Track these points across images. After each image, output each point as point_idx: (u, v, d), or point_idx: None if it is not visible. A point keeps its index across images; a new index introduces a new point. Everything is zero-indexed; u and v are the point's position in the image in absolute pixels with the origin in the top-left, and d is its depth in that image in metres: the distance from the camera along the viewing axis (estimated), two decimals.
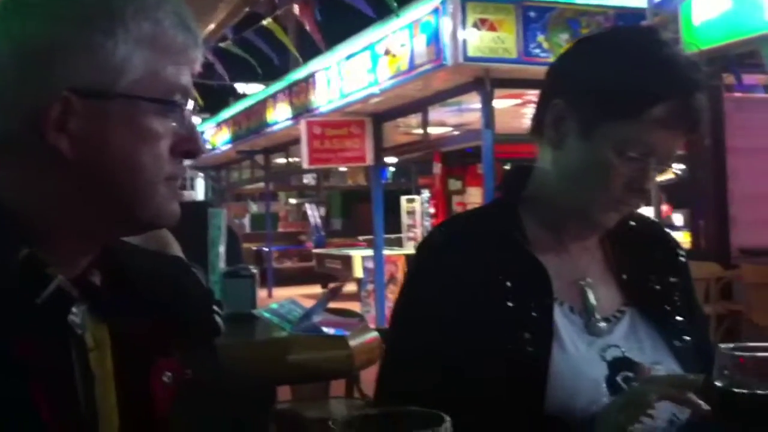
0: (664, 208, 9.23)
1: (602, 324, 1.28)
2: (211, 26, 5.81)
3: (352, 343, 2.61)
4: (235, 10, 5.54)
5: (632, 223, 1.38)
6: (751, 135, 6.89)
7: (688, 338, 1.32)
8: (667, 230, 1.51)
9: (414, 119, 9.94)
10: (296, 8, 5.83)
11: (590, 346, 1.25)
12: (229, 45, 8.05)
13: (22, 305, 0.82)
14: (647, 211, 6.99)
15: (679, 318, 1.34)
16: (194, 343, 1.00)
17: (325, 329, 2.80)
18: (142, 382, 0.91)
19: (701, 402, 1.06)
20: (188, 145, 0.92)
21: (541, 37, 7.83)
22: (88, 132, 0.84)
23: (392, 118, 10.14)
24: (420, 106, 9.32)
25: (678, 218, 9.34)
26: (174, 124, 0.89)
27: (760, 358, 0.97)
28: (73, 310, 0.87)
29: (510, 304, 1.23)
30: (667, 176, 1.37)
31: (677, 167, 1.37)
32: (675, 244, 1.46)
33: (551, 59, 7.81)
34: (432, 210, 11.56)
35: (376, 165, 10.68)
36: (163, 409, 0.91)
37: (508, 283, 1.24)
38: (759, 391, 0.95)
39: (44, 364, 0.82)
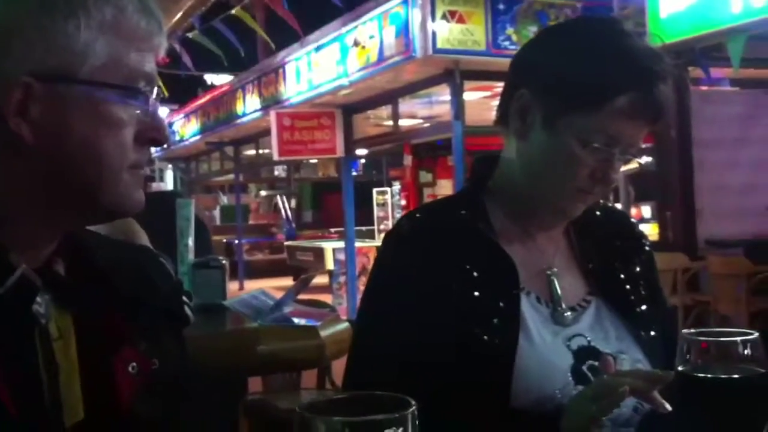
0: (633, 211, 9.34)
1: (568, 313, 1.29)
2: (178, 15, 5.75)
3: (323, 333, 2.60)
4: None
5: (597, 212, 1.39)
6: (717, 127, 6.98)
7: (652, 328, 1.33)
8: (633, 220, 1.52)
9: (384, 111, 9.94)
10: None
11: (556, 335, 1.26)
12: (196, 35, 7.99)
13: None
14: (617, 205, 7.07)
15: (643, 308, 1.35)
16: (161, 334, 0.99)
17: (295, 320, 2.79)
18: (107, 371, 0.90)
19: (664, 402, 1.07)
20: (153, 132, 0.90)
21: (510, 30, 7.86)
22: (50, 118, 0.83)
23: (362, 109, 10.13)
24: (390, 97, 9.31)
25: (646, 210, 9.44)
26: (138, 111, 0.88)
27: (722, 343, 0.99)
28: (37, 299, 0.86)
29: (476, 294, 1.23)
30: (631, 166, 1.39)
31: (642, 158, 1.39)
32: (640, 234, 1.47)
33: None
34: (403, 202, 11.58)
35: (346, 157, 10.67)
36: (127, 400, 0.90)
37: (475, 274, 1.24)
38: (721, 375, 0.97)
39: (7, 354, 0.81)
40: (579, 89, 1.22)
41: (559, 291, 1.31)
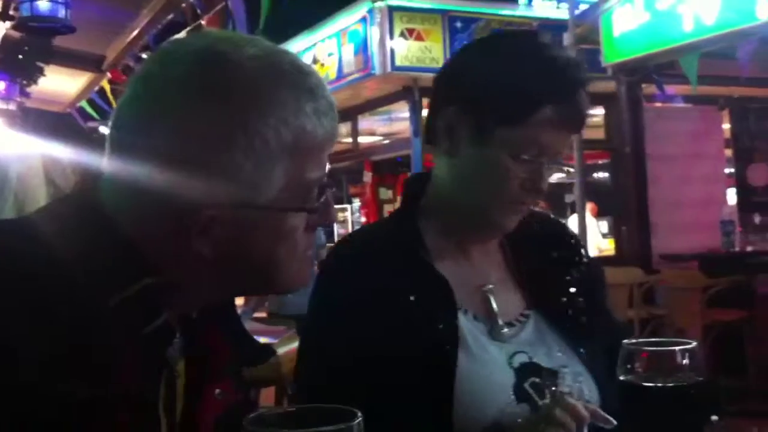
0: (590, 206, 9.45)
1: (505, 330, 1.28)
2: (134, 33, 5.73)
3: (280, 351, 2.61)
4: (158, 16, 5.47)
5: (533, 224, 1.38)
6: (671, 143, 7.10)
7: (594, 339, 1.32)
8: (571, 230, 1.51)
9: (344, 128, 9.95)
10: (204, 22, 5.82)
11: (497, 352, 1.25)
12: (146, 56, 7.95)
13: (129, 332, 0.84)
14: (574, 219, 7.15)
15: (583, 319, 1.34)
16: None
17: (254, 337, 2.78)
18: (198, 401, 0.95)
19: (608, 417, 1.09)
20: (322, 219, 0.95)
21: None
22: (231, 238, 0.88)
23: None
24: (349, 114, 9.34)
25: (603, 226, 9.56)
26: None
27: (662, 352, 1.01)
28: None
29: (414, 316, 1.22)
30: (559, 175, 1.39)
31: (566, 167, 1.40)
32: (578, 245, 1.46)
33: None
34: (363, 219, 11.57)
35: None
36: (208, 420, 0.94)
37: (411, 297, 1.23)
38: (661, 384, 0.99)
39: (135, 393, 0.84)
40: (504, 103, 1.23)
41: (495, 307, 1.30)
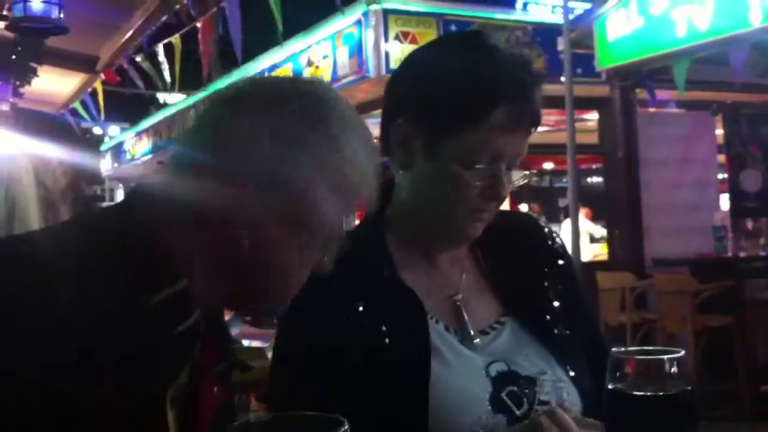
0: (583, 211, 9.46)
1: (480, 339, 1.25)
2: (128, 34, 5.72)
3: (271, 354, 2.59)
4: (152, 17, 5.47)
5: (505, 225, 1.33)
6: (663, 148, 7.12)
7: (573, 342, 1.30)
8: (548, 230, 1.44)
9: None
10: (199, 24, 5.83)
11: (473, 362, 1.22)
12: (143, 59, 7.97)
13: (163, 331, 0.90)
14: (567, 224, 7.15)
15: (562, 322, 1.31)
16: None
17: (244, 341, 2.78)
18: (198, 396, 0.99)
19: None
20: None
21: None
22: (260, 254, 0.96)
23: None
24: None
25: (599, 230, 9.56)
26: None
27: (650, 361, 1.01)
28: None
29: (384, 329, 1.19)
30: (524, 180, 1.34)
31: (528, 171, 1.36)
32: (553, 243, 1.41)
33: None
34: (357, 221, 11.55)
35: None
36: (208, 416, 0.98)
37: (381, 310, 1.20)
38: (649, 393, 0.99)
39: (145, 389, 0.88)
40: (452, 111, 1.19)
41: (466, 317, 1.26)
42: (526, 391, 1.21)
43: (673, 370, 1.00)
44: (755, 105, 8.06)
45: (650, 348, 1.03)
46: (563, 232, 7.04)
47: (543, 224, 1.46)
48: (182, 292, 0.92)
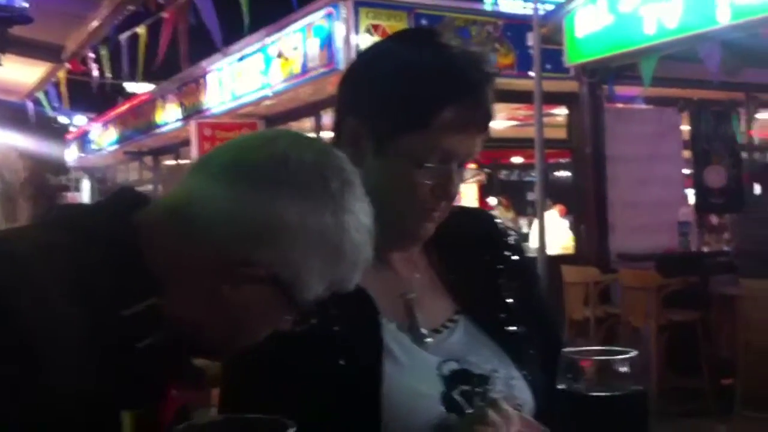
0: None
1: (432, 338, 1.24)
2: (95, 23, 5.65)
3: None
4: (119, 7, 5.41)
5: (460, 221, 1.32)
6: (629, 144, 7.17)
7: (528, 339, 1.29)
8: (503, 226, 1.43)
9: (307, 123, 9.92)
10: (166, 15, 5.79)
11: (425, 362, 1.21)
12: (110, 49, 7.89)
13: (128, 342, 0.90)
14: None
15: (517, 318, 1.30)
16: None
17: None
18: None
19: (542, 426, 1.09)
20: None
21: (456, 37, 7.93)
22: (245, 300, 0.96)
23: (285, 121, 10.09)
24: (313, 109, 9.32)
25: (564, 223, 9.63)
26: None
27: (602, 361, 1.01)
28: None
29: (336, 329, 1.18)
30: (477, 177, 1.33)
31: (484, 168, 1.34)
32: (508, 242, 1.40)
33: None
34: None
35: None
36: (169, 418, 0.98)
37: (332, 310, 1.16)
38: (601, 393, 0.99)
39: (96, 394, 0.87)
40: (402, 110, 1.18)
41: (420, 315, 1.25)
42: (479, 389, 1.21)
43: (624, 370, 1.01)
44: (721, 102, 8.16)
45: (602, 348, 1.04)
46: (537, 227, 7.05)
47: (498, 221, 1.46)
48: (153, 309, 0.91)
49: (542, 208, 6.80)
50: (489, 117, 1.21)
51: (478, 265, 1.33)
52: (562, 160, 10.94)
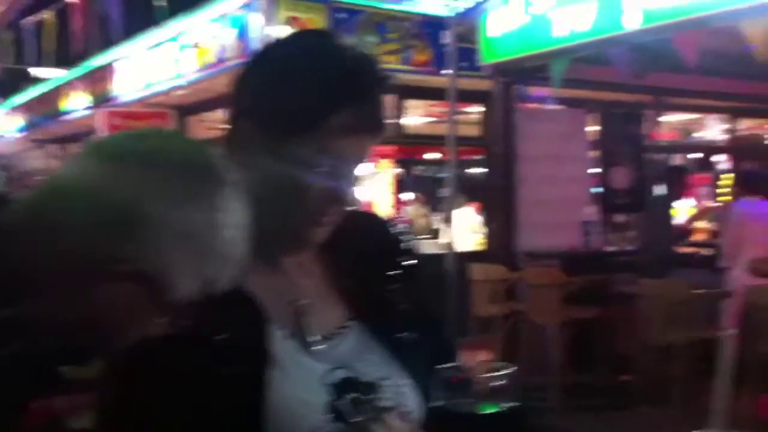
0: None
1: (324, 345, 1.23)
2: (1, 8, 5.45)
3: None
4: None
5: (354, 226, 1.31)
6: (539, 144, 7.30)
7: (419, 346, 1.29)
8: (396, 230, 1.43)
9: (221, 114, 9.77)
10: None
11: (312, 370, 1.20)
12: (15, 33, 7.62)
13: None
14: (454, 214, 7.25)
15: (409, 324, 1.30)
16: None
17: None
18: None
19: None
20: None
21: (350, 39, 7.93)
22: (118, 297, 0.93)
23: (198, 111, 9.93)
24: (227, 101, 9.15)
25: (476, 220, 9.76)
26: None
27: (478, 377, 1.03)
28: None
29: (223, 337, 1.15)
30: (362, 181, 1.33)
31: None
32: (402, 246, 1.40)
33: None
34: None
35: None
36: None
37: (218, 319, 1.13)
38: (475, 409, 1.01)
39: None
40: (292, 113, 1.17)
41: (308, 322, 1.24)
42: (367, 397, 1.20)
43: (500, 385, 1.02)
44: (628, 104, 8.40)
45: (482, 364, 1.06)
46: (454, 222, 7.11)
47: (392, 225, 1.45)
48: (13, 316, 0.89)
49: (453, 206, 6.88)
50: (381, 121, 1.21)
51: (371, 271, 1.32)
52: (477, 158, 11.08)
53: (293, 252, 1.28)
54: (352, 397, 1.19)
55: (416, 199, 11.70)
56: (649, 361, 5.63)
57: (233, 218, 0.97)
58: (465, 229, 8.92)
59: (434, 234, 9.73)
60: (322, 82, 1.17)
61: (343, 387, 1.20)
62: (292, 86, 1.18)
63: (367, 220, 1.43)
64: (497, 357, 6.60)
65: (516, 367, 1.05)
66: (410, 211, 11.43)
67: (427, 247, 8.08)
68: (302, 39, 1.32)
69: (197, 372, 1.14)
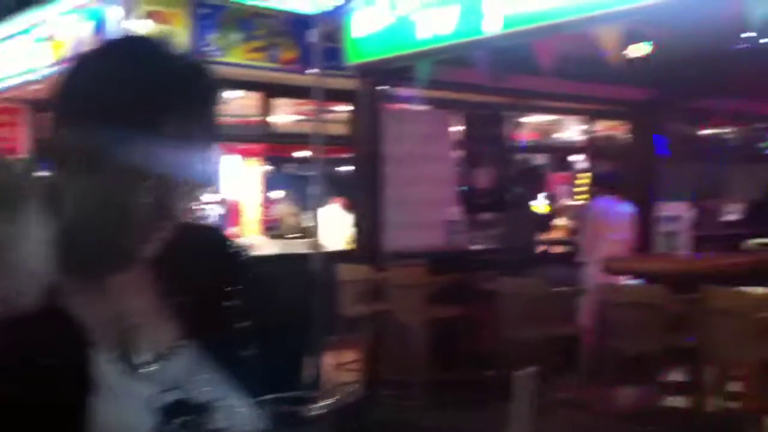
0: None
1: (154, 366, 1.18)
2: None
3: None
4: None
5: (187, 241, 1.25)
6: (405, 144, 7.38)
7: (258, 366, 1.26)
8: (232, 244, 1.39)
9: None
10: None
11: (138, 394, 1.14)
12: None
13: None
14: (322, 212, 7.22)
15: (246, 344, 1.27)
16: None
17: None
18: None
19: None
20: None
21: (212, 36, 7.79)
22: None
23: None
24: (48, 107, 8.81)
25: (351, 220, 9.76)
26: None
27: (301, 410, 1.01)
28: None
29: (37, 361, 1.07)
30: (196, 198, 1.29)
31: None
32: (239, 260, 1.36)
33: (223, 59, 7.71)
34: None
35: (36, 157, 9.94)
36: None
37: (33, 339, 1.08)
38: None
39: None
40: (116, 123, 1.11)
41: (137, 344, 1.18)
42: (198, 420, 1.15)
43: (323, 414, 1.01)
44: (491, 105, 8.62)
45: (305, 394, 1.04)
46: (321, 221, 7.09)
47: (226, 238, 1.41)
48: None
49: (320, 204, 6.86)
50: (212, 129, 1.17)
51: (205, 287, 1.27)
52: (347, 157, 11.10)
53: (119, 270, 1.21)
54: (181, 420, 1.15)
55: (286, 198, 11.62)
56: (508, 356, 5.78)
57: (34, 232, 0.91)
58: (333, 228, 8.91)
59: (304, 232, 9.68)
60: (150, 89, 1.12)
61: (172, 410, 1.15)
62: (118, 92, 1.12)
63: (201, 234, 1.37)
64: (364, 356, 6.65)
65: (357, 388, 1.04)
66: (280, 209, 11.35)
67: (297, 246, 8.04)
68: (129, 44, 1.25)
69: (6, 400, 1.05)
